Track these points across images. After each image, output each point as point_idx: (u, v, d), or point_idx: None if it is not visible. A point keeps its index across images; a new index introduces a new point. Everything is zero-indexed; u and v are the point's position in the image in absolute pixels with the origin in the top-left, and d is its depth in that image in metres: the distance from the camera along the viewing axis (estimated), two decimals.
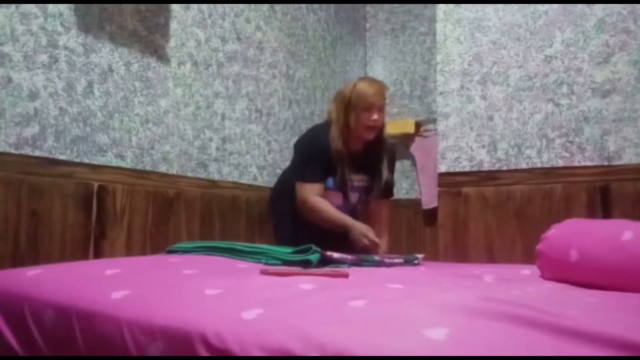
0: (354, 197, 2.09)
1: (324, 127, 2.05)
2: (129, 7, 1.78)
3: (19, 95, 1.46)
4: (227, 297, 0.85)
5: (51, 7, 1.54)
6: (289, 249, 1.42)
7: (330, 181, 2.01)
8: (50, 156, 1.53)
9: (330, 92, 3.06)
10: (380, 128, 2.03)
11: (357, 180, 2.07)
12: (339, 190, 2.04)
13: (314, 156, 2.00)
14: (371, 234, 1.88)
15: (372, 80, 2.06)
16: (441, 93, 2.22)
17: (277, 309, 0.76)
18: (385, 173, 2.08)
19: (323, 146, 1.97)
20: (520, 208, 2.03)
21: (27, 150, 1.47)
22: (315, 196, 1.97)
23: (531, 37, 2.08)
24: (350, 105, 1.97)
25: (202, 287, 0.90)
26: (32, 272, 1.09)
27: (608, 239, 1.10)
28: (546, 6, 2.06)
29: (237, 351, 0.68)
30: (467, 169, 2.15)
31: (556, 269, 1.18)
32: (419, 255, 1.66)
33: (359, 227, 1.90)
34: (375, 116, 1.95)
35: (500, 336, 0.62)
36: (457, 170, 2.16)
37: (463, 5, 2.20)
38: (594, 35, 1.98)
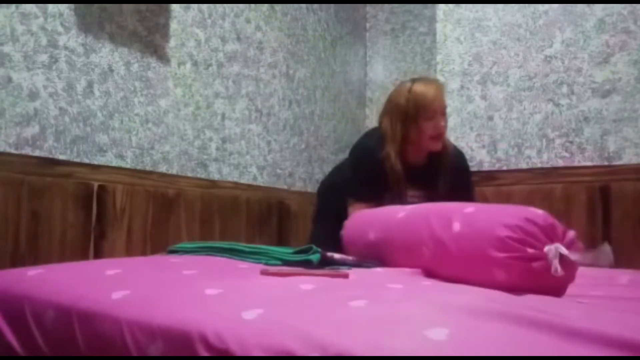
0: None
1: (377, 138, 1.79)
2: (129, 7, 1.78)
3: (19, 95, 1.46)
4: (227, 297, 0.84)
5: (51, 7, 1.54)
6: (290, 249, 1.42)
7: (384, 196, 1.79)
8: (50, 156, 1.53)
9: (330, 92, 3.06)
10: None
11: (415, 196, 1.82)
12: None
13: (365, 174, 1.77)
14: None
15: (428, 81, 1.77)
16: None
17: (277, 309, 0.76)
18: (443, 186, 1.77)
19: (375, 163, 1.73)
20: None
21: (27, 150, 1.47)
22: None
23: (531, 37, 2.08)
24: (409, 117, 1.70)
25: (202, 287, 0.90)
26: (32, 272, 1.09)
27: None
28: (546, 6, 2.06)
29: (237, 351, 0.68)
30: None
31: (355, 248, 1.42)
32: None
33: None
34: (441, 122, 1.70)
35: (501, 336, 0.62)
36: None
37: (463, 5, 2.21)
38: (594, 35, 1.98)
